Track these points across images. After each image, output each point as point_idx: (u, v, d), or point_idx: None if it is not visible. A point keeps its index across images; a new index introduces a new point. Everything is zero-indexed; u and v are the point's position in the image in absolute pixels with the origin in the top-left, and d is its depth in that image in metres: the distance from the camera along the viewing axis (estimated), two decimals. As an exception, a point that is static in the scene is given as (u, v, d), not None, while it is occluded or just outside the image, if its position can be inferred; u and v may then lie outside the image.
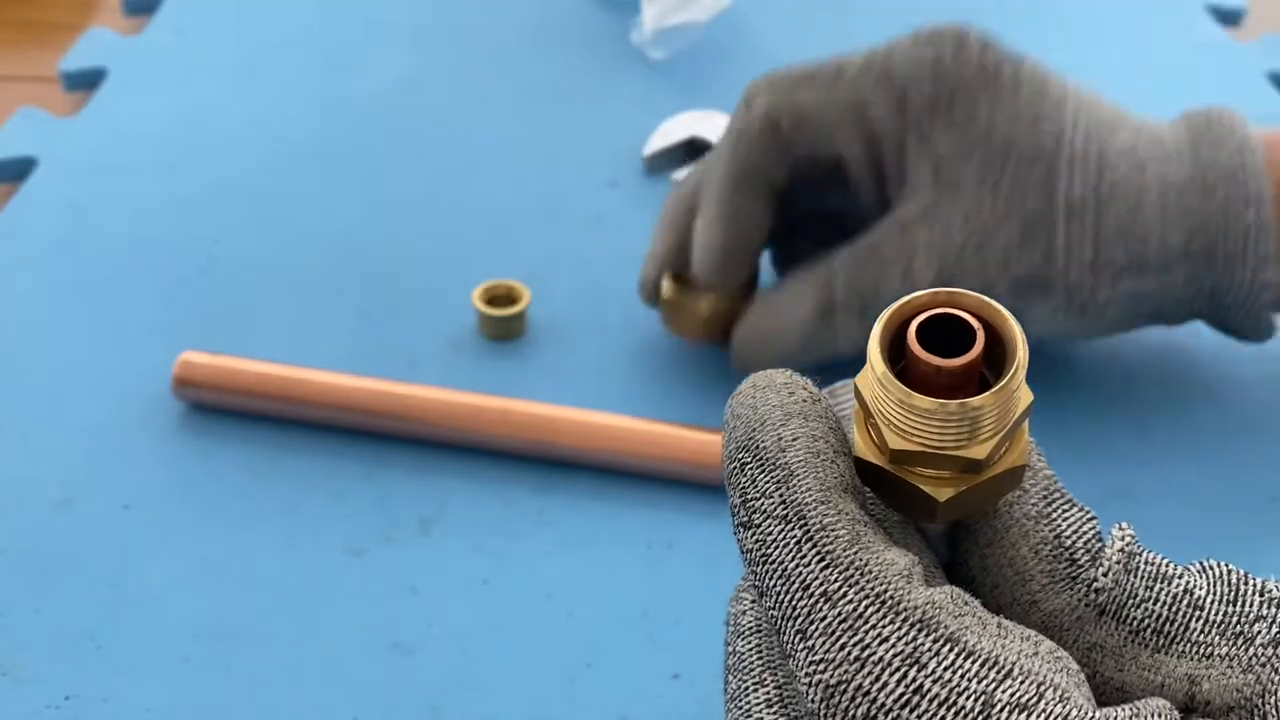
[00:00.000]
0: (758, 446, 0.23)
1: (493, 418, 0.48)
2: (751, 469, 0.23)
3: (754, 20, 0.75)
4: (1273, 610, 0.22)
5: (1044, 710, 0.19)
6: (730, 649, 0.25)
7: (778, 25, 0.76)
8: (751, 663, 0.24)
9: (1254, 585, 0.23)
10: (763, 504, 0.22)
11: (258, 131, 0.66)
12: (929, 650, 0.20)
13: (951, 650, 0.20)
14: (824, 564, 0.21)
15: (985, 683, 0.20)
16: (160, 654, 0.41)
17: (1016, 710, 0.19)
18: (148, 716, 0.40)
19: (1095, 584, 0.23)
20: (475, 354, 0.53)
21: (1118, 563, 0.23)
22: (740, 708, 0.24)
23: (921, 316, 0.22)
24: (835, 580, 0.21)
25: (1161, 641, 0.23)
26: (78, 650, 0.41)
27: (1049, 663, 0.21)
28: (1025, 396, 0.22)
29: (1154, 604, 0.23)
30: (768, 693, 0.24)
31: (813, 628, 0.21)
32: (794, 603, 0.21)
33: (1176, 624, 0.23)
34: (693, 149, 0.64)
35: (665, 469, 0.47)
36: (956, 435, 0.22)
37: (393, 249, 0.59)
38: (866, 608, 0.20)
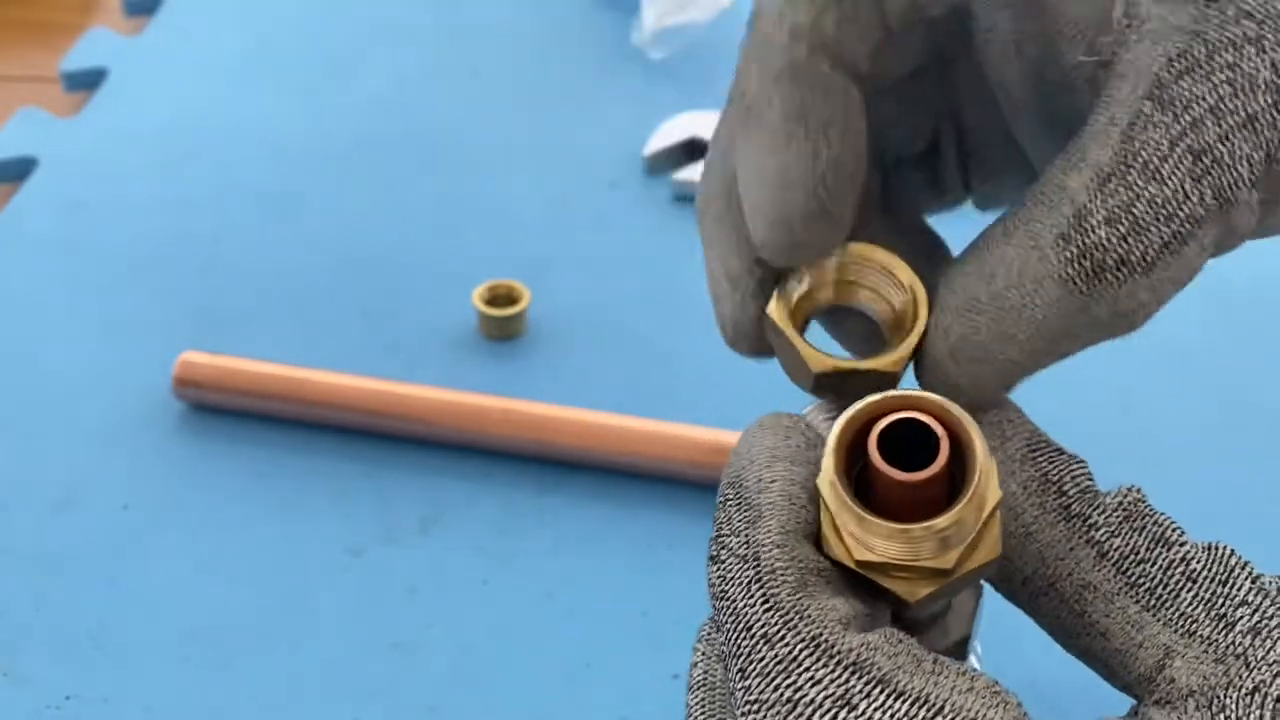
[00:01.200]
0: (741, 484, 0.23)
1: (493, 418, 0.48)
2: (730, 505, 0.23)
3: (754, 20, 0.75)
4: (1259, 599, 0.22)
5: None
6: (686, 699, 0.26)
7: (778, 25, 0.76)
8: (697, 717, 0.25)
9: (1248, 572, 0.23)
10: (730, 541, 0.23)
11: (258, 131, 0.66)
12: (860, 692, 0.20)
13: (882, 692, 0.20)
14: (767, 607, 0.21)
15: None
16: (160, 654, 0.41)
17: None
18: (148, 716, 0.40)
19: (1090, 521, 0.23)
20: (475, 354, 0.53)
21: (1118, 510, 0.23)
22: None
23: (883, 423, 0.21)
24: (775, 624, 0.21)
25: (1152, 601, 0.23)
26: (78, 650, 0.41)
27: (984, 699, 0.21)
28: (993, 497, 0.22)
29: (1151, 565, 0.23)
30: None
31: (751, 668, 0.21)
32: (738, 642, 0.22)
33: (1169, 589, 0.23)
34: (693, 149, 0.64)
35: (665, 469, 0.47)
36: (921, 551, 0.22)
37: (393, 249, 0.59)
38: (801, 651, 0.21)
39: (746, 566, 0.22)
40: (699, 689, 0.25)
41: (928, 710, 0.20)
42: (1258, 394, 0.52)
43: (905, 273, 0.25)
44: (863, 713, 0.20)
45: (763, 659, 0.21)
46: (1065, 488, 0.24)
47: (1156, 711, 0.22)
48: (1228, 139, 0.22)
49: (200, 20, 0.76)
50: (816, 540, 0.23)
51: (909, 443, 0.21)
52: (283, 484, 0.47)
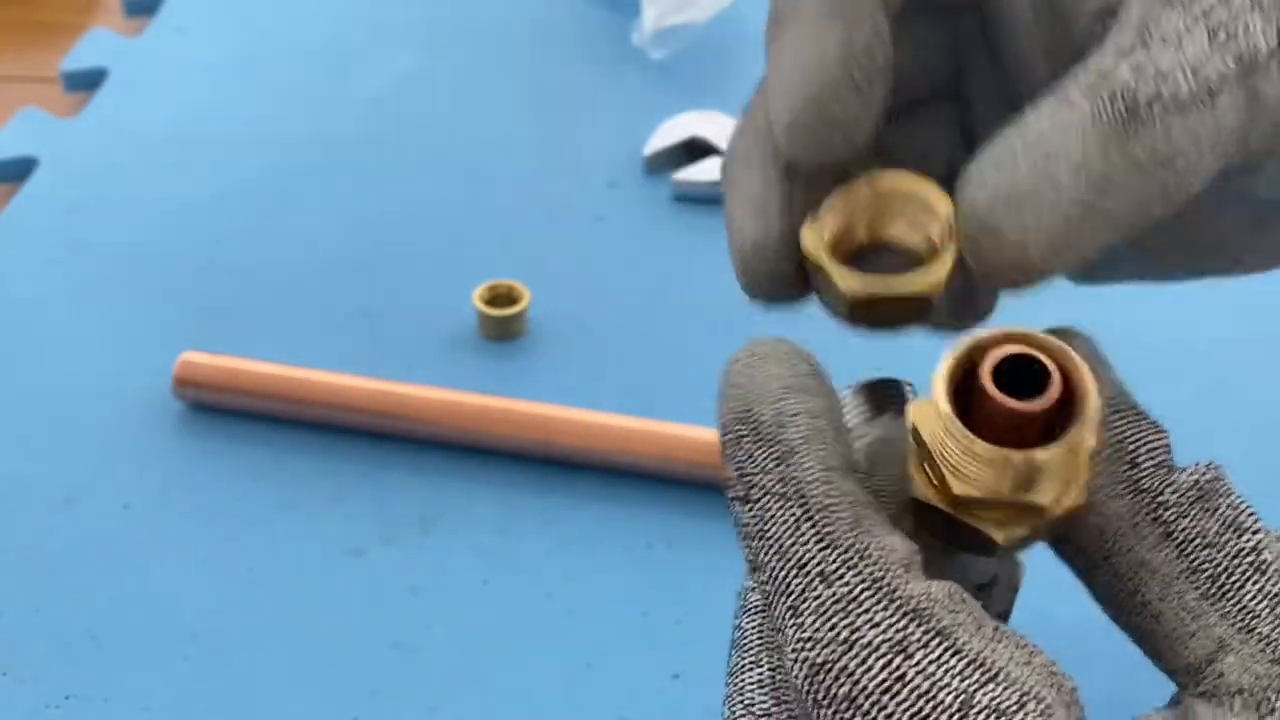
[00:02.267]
0: (756, 420, 0.23)
1: (493, 418, 0.48)
2: (749, 443, 0.22)
3: (754, 20, 0.75)
4: None
5: (1023, 717, 0.19)
6: (736, 624, 0.25)
7: (778, 25, 0.76)
8: (751, 641, 0.25)
9: None
10: (761, 480, 0.22)
11: (258, 132, 0.66)
12: (917, 640, 0.20)
13: (940, 644, 0.20)
14: (822, 544, 0.21)
15: (968, 682, 0.20)
16: (160, 654, 0.41)
17: (994, 715, 0.19)
18: (148, 716, 0.40)
19: (1160, 499, 0.23)
20: (475, 354, 0.53)
21: (1192, 489, 0.23)
22: (734, 684, 0.24)
23: (998, 354, 0.21)
24: (833, 561, 0.21)
25: (1213, 590, 0.22)
26: (78, 650, 0.41)
27: (1040, 675, 0.20)
28: (1095, 438, 0.21)
29: (1218, 551, 0.22)
30: (761, 673, 0.24)
31: (805, 605, 0.21)
32: (788, 580, 0.21)
33: (1234, 579, 0.22)
34: (693, 149, 0.64)
35: (665, 469, 0.47)
36: (1023, 485, 0.21)
37: (393, 249, 0.59)
38: (861, 591, 0.20)
39: (790, 504, 0.21)
40: (756, 613, 0.25)
41: (983, 674, 0.20)
42: (1257, 394, 0.52)
43: (939, 197, 0.24)
44: (918, 662, 0.20)
45: (819, 597, 0.20)
46: (1139, 458, 0.23)
47: (1200, 705, 0.21)
48: (1240, 16, 0.23)
49: (200, 20, 0.76)
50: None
51: (1013, 380, 0.21)
52: (283, 484, 0.47)
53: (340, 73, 0.72)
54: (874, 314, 0.24)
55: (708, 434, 0.47)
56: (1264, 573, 0.22)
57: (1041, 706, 0.20)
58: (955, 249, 0.23)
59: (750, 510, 0.22)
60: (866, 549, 0.21)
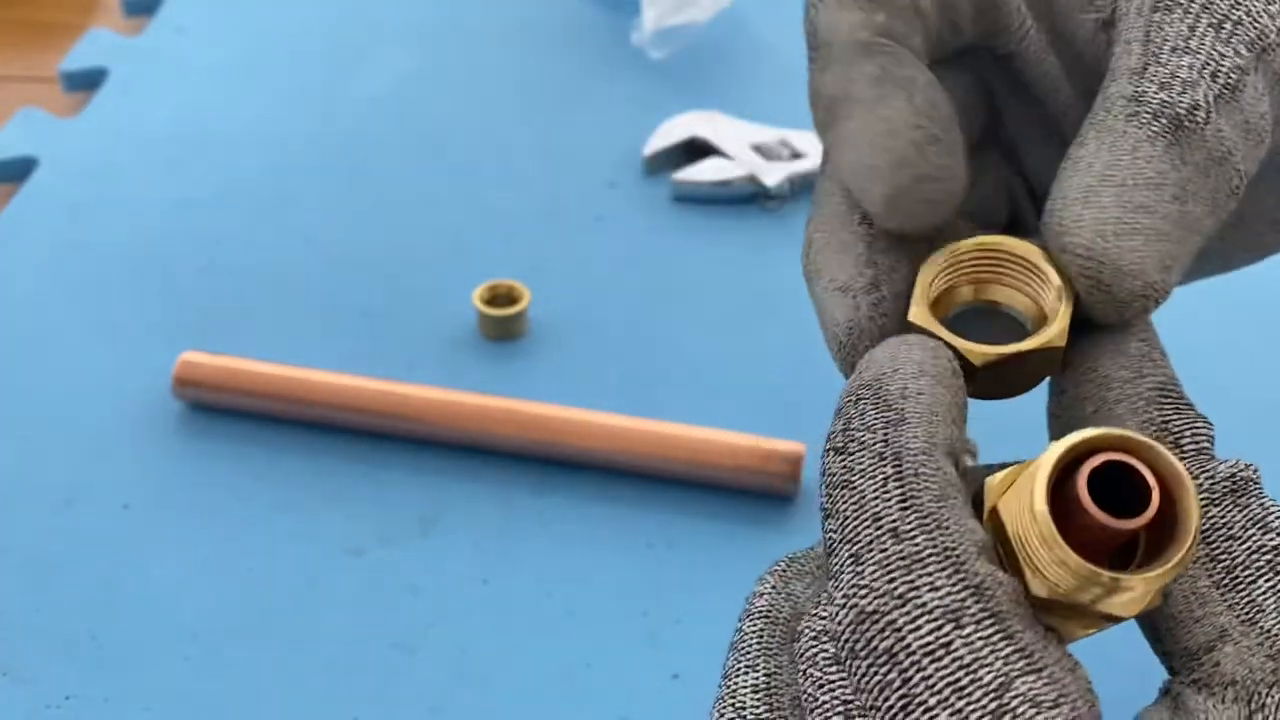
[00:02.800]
0: (881, 387, 0.23)
1: (494, 417, 0.48)
2: (866, 404, 0.23)
3: (754, 20, 0.75)
4: None
5: (1057, 715, 0.19)
6: (738, 626, 0.25)
7: (778, 25, 0.76)
8: (750, 645, 0.24)
9: None
10: (864, 437, 0.22)
11: (258, 132, 0.66)
12: (972, 615, 0.20)
13: (993, 625, 0.20)
14: (904, 505, 0.21)
15: (1011, 668, 0.20)
16: (160, 654, 0.41)
17: (1029, 705, 0.19)
18: (148, 716, 0.40)
19: (1195, 482, 0.22)
20: (475, 354, 0.53)
21: (1226, 480, 0.23)
22: (728, 688, 0.24)
23: (1095, 461, 0.20)
24: (910, 523, 0.21)
25: (1225, 580, 0.22)
26: (78, 650, 0.41)
27: (1080, 686, 0.20)
28: (1191, 556, 0.21)
29: (1238, 544, 0.22)
30: (756, 678, 0.24)
31: (869, 555, 0.21)
32: (859, 529, 0.21)
33: (1248, 572, 0.22)
34: (692, 149, 0.64)
35: (665, 469, 0.47)
36: (1103, 595, 0.20)
37: (393, 249, 0.59)
38: (929, 554, 0.20)
39: (884, 464, 0.21)
40: (759, 618, 0.25)
41: (1028, 664, 0.20)
42: (1257, 394, 0.52)
43: (1046, 263, 0.24)
44: (968, 636, 0.20)
45: (885, 550, 0.21)
46: (1181, 441, 0.23)
47: (1191, 693, 0.21)
48: (1240, 5, 0.24)
49: (200, 20, 0.76)
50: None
51: (1108, 484, 0.20)
52: (283, 484, 0.47)
53: (340, 73, 0.72)
54: (1001, 379, 0.24)
55: (708, 434, 0.47)
56: (1277, 572, 0.22)
57: (1075, 713, 0.20)
58: (1069, 301, 0.24)
59: (842, 461, 0.22)
60: (945, 521, 0.21)
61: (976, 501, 0.23)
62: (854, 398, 0.23)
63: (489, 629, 0.42)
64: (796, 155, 0.63)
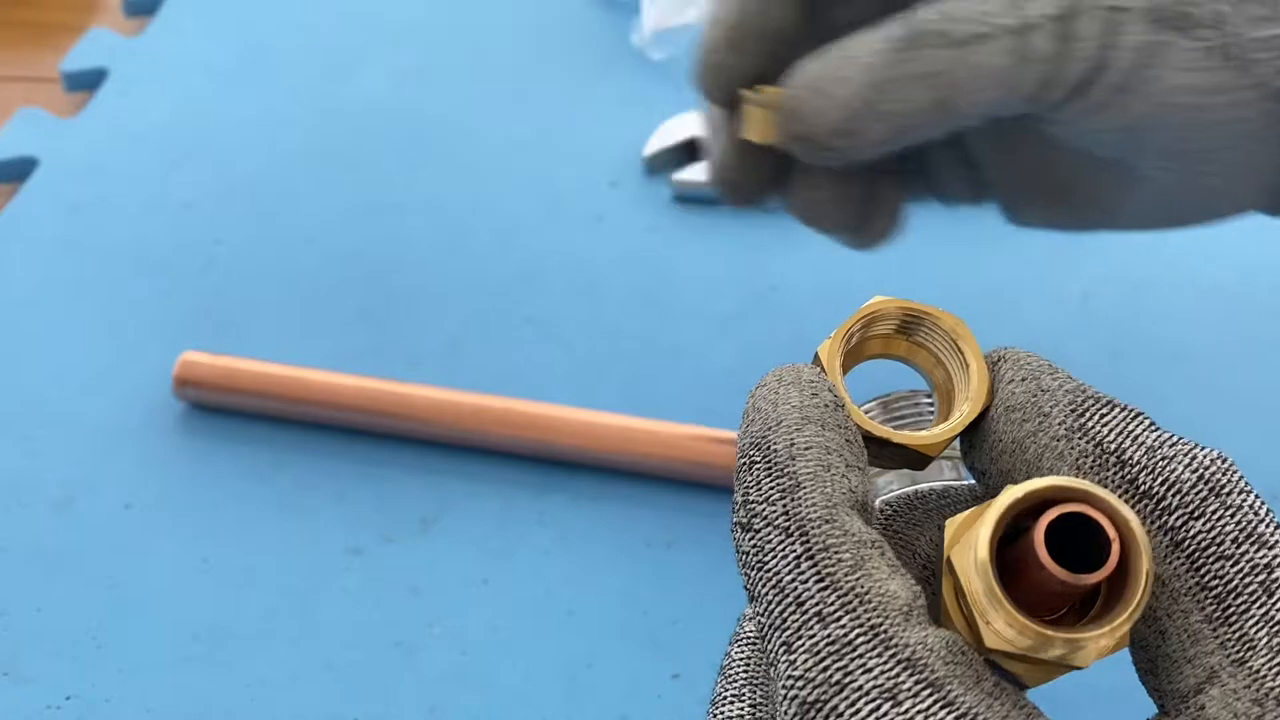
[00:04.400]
0: (769, 448, 0.22)
1: (493, 417, 0.48)
2: (759, 470, 0.22)
3: (754, 20, 0.75)
4: None
5: None
6: (727, 650, 0.25)
7: (778, 25, 0.76)
8: (737, 673, 0.24)
9: None
10: (764, 510, 0.22)
11: (258, 131, 0.66)
12: (908, 690, 0.19)
13: (931, 695, 0.19)
14: (822, 584, 0.20)
15: None
16: (160, 654, 0.41)
17: None
18: (148, 716, 0.40)
19: (1163, 502, 0.21)
20: (475, 354, 0.53)
21: (1198, 485, 0.21)
22: (716, 713, 0.24)
23: (1052, 514, 0.19)
24: (832, 602, 0.20)
25: (1217, 613, 0.20)
26: (78, 650, 0.41)
27: None
28: (1145, 603, 0.20)
29: (1232, 565, 0.20)
30: (741, 707, 0.24)
31: (799, 644, 0.20)
32: (784, 615, 0.21)
33: (1240, 601, 0.20)
34: (693, 149, 0.64)
35: (665, 469, 0.47)
36: (1060, 653, 0.20)
37: (393, 249, 0.59)
38: (857, 636, 0.20)
39: (792, 540, 0.21)
40: (747, 644, 0.25)
41: None
42: (1257, 394, 0.52)
43: (971, 346, 0.24)
44: (905, 710, 0.19)
45: (814, 637, 0.20)
46: (1127, 455, 0.21)
47: None
48: None
49: (200, 20, 0.76)
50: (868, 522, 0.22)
51: (1063, 534, 0.20)
52: (283, 484, 0.47)
53: (340, 72, 0.72)
54: (872, 450, 0.24)
55: (708, 434, 0.47)
56: (1272, 595, 0.20)
57: None
58: (968, 416, 0.23)
59: (751, 540, 0.22)
60: (866, 593, 0.20)
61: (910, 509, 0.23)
62: (746, 461, 0.23)
63: (489, 629, 0.43)
64: (796, 155, 0.63)
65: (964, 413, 0.23)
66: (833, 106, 0.31)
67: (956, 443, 0.25)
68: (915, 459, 0.24)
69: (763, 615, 0.21)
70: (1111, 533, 0.19)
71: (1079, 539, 0.20)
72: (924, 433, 0.23)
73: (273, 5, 0.77)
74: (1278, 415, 0.51)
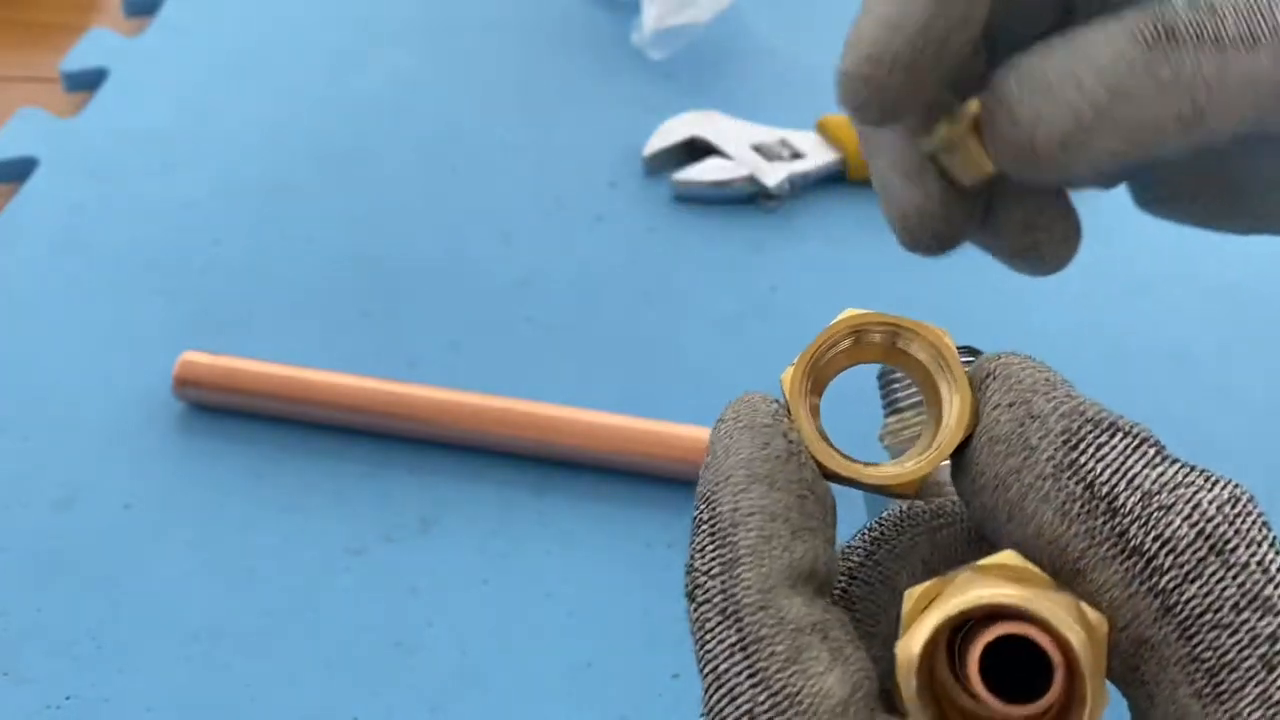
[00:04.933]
0: (715, 508, 0.21)
1: (493, 417, 0.48)
2: (704, 534, 0.21)
3: (754, 20, 0.75)
4: None
5: None
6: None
7: (778, 25, 0.76)
8: None
9: None
10: (705, 584, 0.21)
11: (258, 131, 0.66)
12: None
13: None
14: (754, 682, 0.19)
15: None
16: (160, 654, 0.41)
17: None
18: (148, 716, 0.40)
19: (1155, 562, 0.18)
20: (475, 354, 0.53)
21: (1197, 542, 0.18)
22: None
23: (990, 636, 0.18)
24: (763, 703, 0.19)
25: (1208, 689, 0.18)
26: (78, 650, 0.41)
27: None
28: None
29: (1229, 635, 0.18)
30: None
31: None
32: (720, 706, 0.20)
33: (1236, 678, 0.18)
34: (693, 149, 0.64)
35: (665, 469, 0.47)
36: None
37: (393, 249, 0.59)
38: None
39: (728, 625, 0.20)
40: None
41: None
42: (1257, 394, 0.52)
43: (953, 363, 0.22)
44: None
45: None
46: (1119, 501, 0.19)
47: None
48: None
49: (200, 20, 0.76)
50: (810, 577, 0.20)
51: (1001, 651, 0.18)
52: (283, 484, 0.47)
53: (340, 72, 0.72)
54: (849, 484, 0.22)
55: (708, 434, 0.47)
56: (1272, 671, 0.18)
57: None
58: (946, 449, 0.21)
59: (694, 611, 0.21)
60: (798, 693, 0.19)
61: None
62: (696, 520, 0.21)
63: (489, 629, 0.43)
64: (796, 155, 0.63)
65: (941, 445, 0.21)
66: (1061, 113, 0.25)
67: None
68: (893, 494, 0.22)
69: (705, 696, 0.21)
70: (1057, 658, 0.18)
71: (1031, 649, 0.18)
72: (895, 469, 0.22)
73: (273, 5, 0.77)
74: (1278, 415, 0.51)
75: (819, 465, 0.22)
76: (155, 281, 0.57)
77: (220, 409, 0.50)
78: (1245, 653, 0.18)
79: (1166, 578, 0.18)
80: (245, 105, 0.69)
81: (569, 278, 0.57)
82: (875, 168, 0.30)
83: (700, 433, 0.47)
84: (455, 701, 0.40)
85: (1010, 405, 0.21)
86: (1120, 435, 0.20)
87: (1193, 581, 0.18)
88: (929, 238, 0.29)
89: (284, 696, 0.40)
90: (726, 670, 0.20)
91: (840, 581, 0.22)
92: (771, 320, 0.55)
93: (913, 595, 0.19)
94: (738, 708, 0.19)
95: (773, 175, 0.62)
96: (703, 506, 0.21)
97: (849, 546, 0.23)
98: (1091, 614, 0.18)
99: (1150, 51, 0.25)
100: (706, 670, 0.20)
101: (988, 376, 0.22)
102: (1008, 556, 0.19)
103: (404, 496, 0.47)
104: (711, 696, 0.20)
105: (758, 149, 0.63)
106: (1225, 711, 0.18)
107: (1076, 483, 0.19)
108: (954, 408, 0.21)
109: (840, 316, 0.23)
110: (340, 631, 0.42)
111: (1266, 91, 0.25)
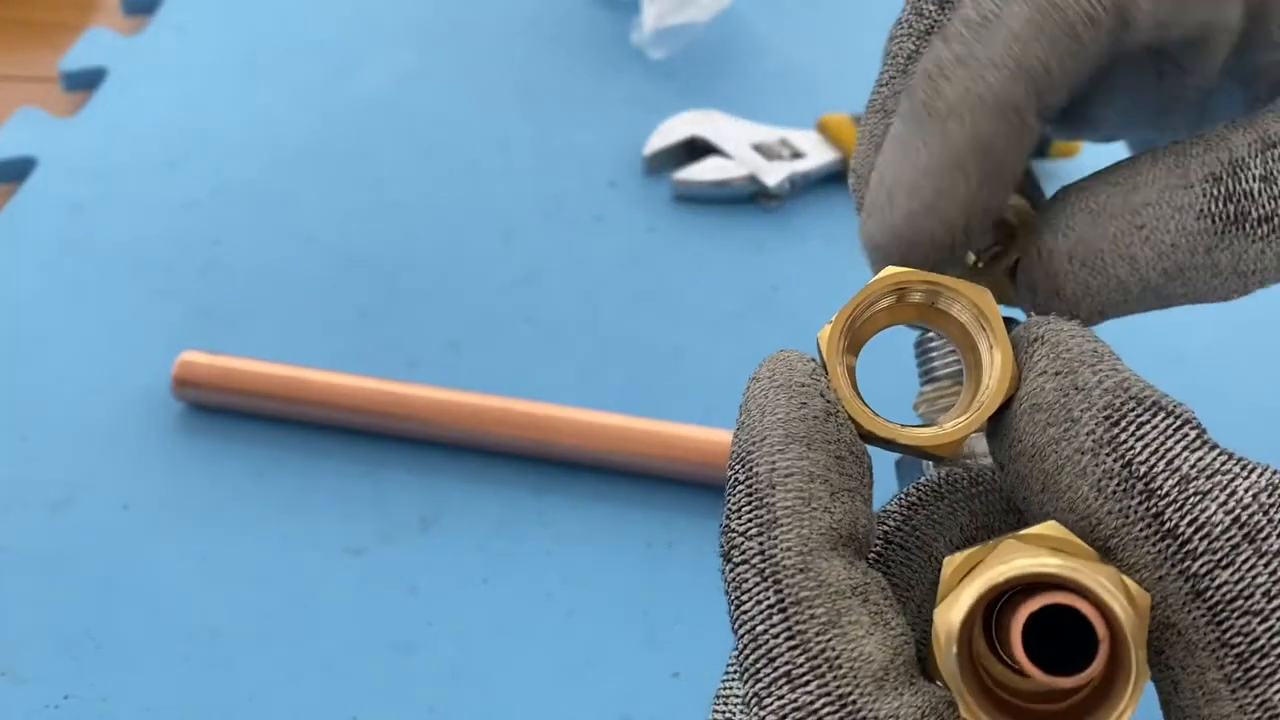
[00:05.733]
0: (752, 468, 0.21)
1: (492, 417, 0.48)
2: (741, 494, 0.21)
3: (754, 20, 0.75)
4: None
5: None
6: (714, 706, 0.24)
7: (778, 25, 0.76)
8: (734, 704, 0.23)
9: None
10: (743, 545, 0.20)
11: (258, 131, 0.66)
12: None
13: None
14: (792, 643, 0.19)
15: None
16: (160, 654, 0.41)
17: None
18: (147, 716, 0.40)
19: (1188, 545, 0.18)
20: (475, 354, 0.53)
21: (1230, 530, 0.18)
22: None
23: (1035, 605, 0.18)
24: (801, 664, 0.19)
25: (1239, 674, 0.18)
26: (77, 650, 0.41)
27: None
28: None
29: (1259, 622, 0.18)
30: None
31: (769, 701, 0.19)
32: (757, 667, 0.20)
33: (1266, 664, 0.18)
34: (693, 149, 0.64)
35: (665, 469, 0.47)
36: None
37: (393, 249, 0.59)
38: (823, 705, 0.19)
39: (766, 586, 0.20)
40: (723, 702, 0.24)
41: None
42: (1257, 394, 0.52)
43: (995, 325, 0.21)
44: None
45: (782, 700, 0.19)
46: (1157, 483, 0.19)
47: None
48: None
49: (200, 20, 0.76)
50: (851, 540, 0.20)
51: (1044, 622, 0.18)
52: (282, 484, 0.47)
53: (340, 72, 0.71)
54: (886, 447, 0.22)
55: (708, 434, 0.47)
56: None
57: None
58: (986, 411, 0.21)
59: (731, 572, 0.20)
60: (837, 657, 0.19)
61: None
62: (732, 478, 0.21)
63: (489, 629, 0.42)
64: (796, 155, 0.63)
65: (982, 406, 0.21)
66: (1110, 290, 0.23)
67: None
68: (930, 456, 0.22)
69: (740, 657, 0.20)
70: (1101, 630, 0.18)
71: (1073, 620, 0.18)
72: (934, 430, 0.21)
73: (272, 5, 0.77)
74: (1278, 415, 0.51)
75: (856, 425, 0.21)
76: (154, 281, 0.57)
77: (219, 409, 0.50)
78: (1276, 639, 0.18)
79: (1199, 562, 0.18)
80: (245, 104, 0.68)
81: (569, 278, 0.57)
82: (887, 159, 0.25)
83: (701, 433, 0.47)
84: (455, 701, 0.40)
85: (1056, 374, 0.20)
86: (1163, 415, 0.19)
87: (1225, 567, 0.18)
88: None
89: (283, 696, 0.40)
90: (764, 632, 0.20)
91: (876, 545, 0.22)
92: (772, 320, 0.55)
93: (953, 563, 0.19)
94: (775, 669, 0.19)
95: (773, 175, 0.62)
96: (738, 467, 0.21)
97: (884, 511, 0.23)
98: (1134, 587, 0.18)
99: (1215, 238, 0.22)
100: (743, 631, 0.20)
101: (1035, 341, 0.21)
102: (1050, 527, 0.19)
103: (404, 496, 0.47)
104: (748, 657, 0.20)
105: (758, 148, 0.63)
106: (1255, 696, 0.18)
107: (1115, 460, 0.19)
108: (995, 370, 0.21)
109: (881, 274, 0.22)
110: (340, 631, 0.42)
111: None
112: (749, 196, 0.62)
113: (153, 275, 0.57)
